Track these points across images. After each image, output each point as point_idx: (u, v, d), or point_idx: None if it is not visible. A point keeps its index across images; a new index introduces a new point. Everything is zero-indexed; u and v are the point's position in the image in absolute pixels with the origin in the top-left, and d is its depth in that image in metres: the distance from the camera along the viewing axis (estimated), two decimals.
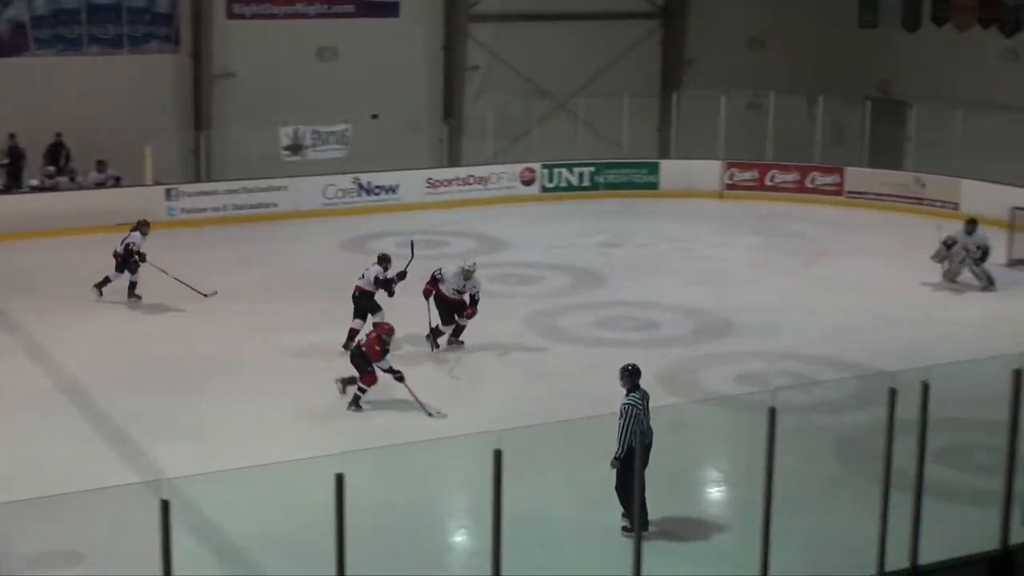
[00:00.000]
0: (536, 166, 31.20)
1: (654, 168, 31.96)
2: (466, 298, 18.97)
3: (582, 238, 26.86)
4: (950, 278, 23.30)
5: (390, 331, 16.71)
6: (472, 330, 19.83)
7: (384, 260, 19.11)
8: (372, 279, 18.83)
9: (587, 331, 20.12)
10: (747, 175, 31.64)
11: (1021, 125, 28.95)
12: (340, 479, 8.33)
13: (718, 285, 23.10)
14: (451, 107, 32.74)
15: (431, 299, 18.91)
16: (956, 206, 29.25)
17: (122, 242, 21.90)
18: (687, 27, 35.08)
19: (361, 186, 29.30)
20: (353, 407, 16.48)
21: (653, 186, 31.73)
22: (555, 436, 14.82)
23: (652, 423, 12.62)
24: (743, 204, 30.77)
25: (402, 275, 18.94)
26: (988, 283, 23.08)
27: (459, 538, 13.19)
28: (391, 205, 29.36)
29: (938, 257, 23.44)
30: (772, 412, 9.81)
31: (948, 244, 23.34)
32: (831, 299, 22.24)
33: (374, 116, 31.07)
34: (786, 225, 28.48)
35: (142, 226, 22.20)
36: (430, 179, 30.25)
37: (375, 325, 17.24)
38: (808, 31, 35.24)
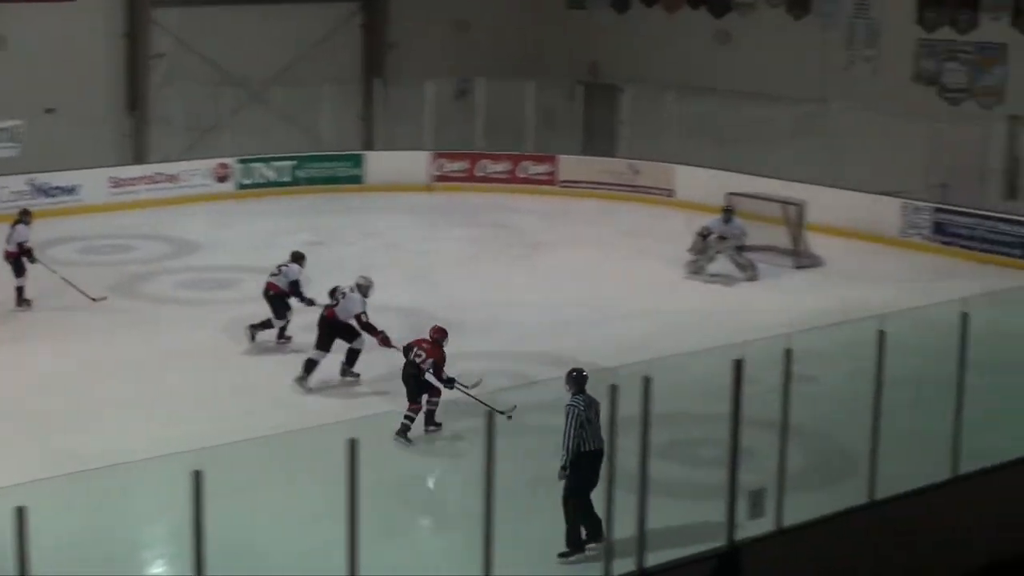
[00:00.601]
0: (230, 161, 30.76)
1: (358, 161, 31.93)
2: (352, 321, 17.96)
3: (284, 237, 26.51)
4: (694, 270, 23.93)
5: (445, 334, 16.15)
6: (165, 341, 19.44)
7: (299, 258, 19.34)
8: (288, 281, 19.01)
9: (296, 337, 19.88)
10: (457, 166, 31.91)
11: (733, 109, 30.03)
12: (21, 513, 8.02)
13: (431, 282, 23.22)
14: (135, 99, 31.96)
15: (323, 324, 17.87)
16: (671, 193, 30.21)
17: (9, 240, 20.78)
18: (389, 9, 35.11)
19: (36, 187, 28.34)
20: (433, 427, 15.82)
21: (358, 180, 31.70)
22: (262, 452, 14.62)
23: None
24: (454, 196, 31.02)
25: (311, 302, 18.95)
26: (753, 271, 23.86)
27: (158, 569, 12.88)
28: (71, 207, 28.47)
29: (695, 249, 24.03)
30: (489, 416, 9.89)
31: (704, 234, 23.97)
32: (549, 293, 22.60)
33: (49, 110, 30.07)
34: (499, 217, 28.85)
35: (24, 216, 21.10)
36: (114, 178, 29.47)
37: (434, 329, 16.22)
38: (515, 13, 35.75)
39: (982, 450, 12.63)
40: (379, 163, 31.84)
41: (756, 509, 11.30)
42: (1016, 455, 12.90)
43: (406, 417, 15.56)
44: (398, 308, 21.16)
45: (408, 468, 14.98)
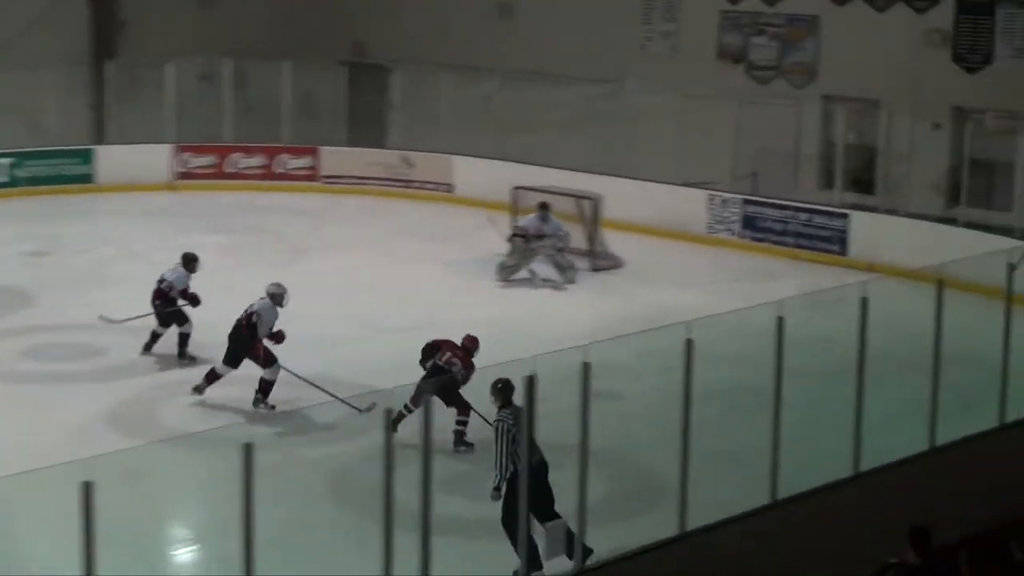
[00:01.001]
0: None
1: (88, 156, 31.33)
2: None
3: (2, 247, 25.97)
4: (509, 276, 24.01)
5: (478, 344, 16.66)
6: None
7: (190, 261, 20.09)
8: (179, 289, 19.81)
9: (12, 364, 19.46)
10: (204, 161, 31.56)
11: (518, 92, 30.24)
12: None
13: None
14: None
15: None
16: (450, 188, 30.30)
17: None
18: None
19: None
20: (463, 447, 16.03)
21: (88, 179, 31.13)
22: None
23: None
24: (200, 196, 30.66)
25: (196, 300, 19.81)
26: (573, 273, 24.06)
27: None
28: None
29: (515, 255, 24.06)
30: (248, 449, 9.75)
31: (522, 235, 24.04)
32: (316, 306, 22.38)
33: None
34: (255, 219, 28.59)
35: None
36: None
37: (467, 338, 16.79)
38: None
39: (802, 470, 12.88)
40: (113, 159, 31.28)
41: (554, 546, 11.35)
42: (839, 475, 13.19)
43: (458, 423, 16.09)
44: (142, 327, 20.82)
45: (156, 510, 14.74)
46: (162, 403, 18.03)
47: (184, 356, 19.71)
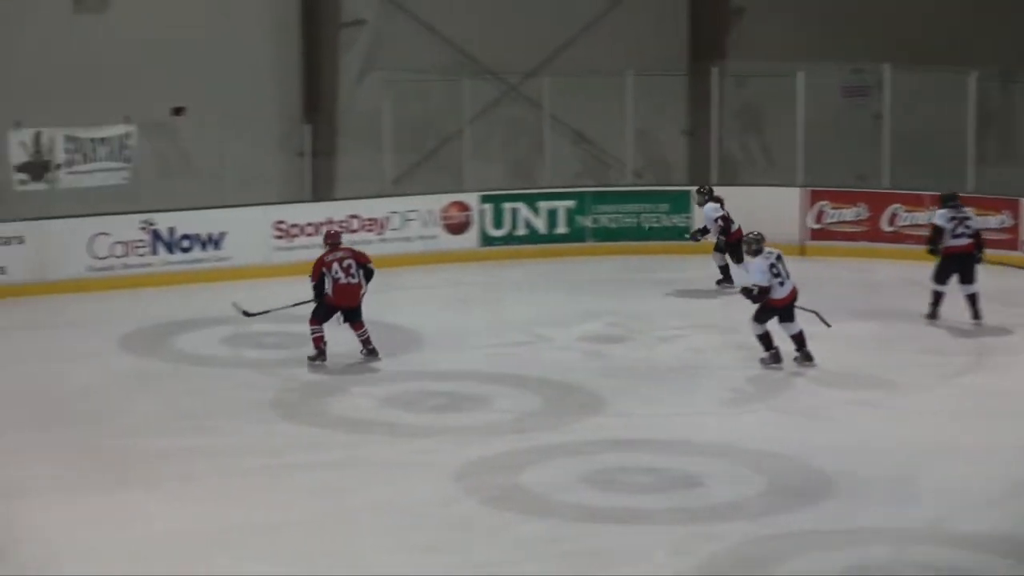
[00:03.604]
0: (472, 199, 31.29)
1: (682, 200, 32.23)
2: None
3: (559, 329, 26.53)
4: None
5: None
6: None
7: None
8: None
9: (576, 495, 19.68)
10: (845, 213, 31.96)
11: None
12: None
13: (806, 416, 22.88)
14: (316, 95, 32.50)
15: None
16: None
17: None
18: None
19: (156, 234, 28.93)
20: None
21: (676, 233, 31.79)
22: None
23: None
24: (840, 265, 30.80)
25: None
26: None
27: None
28: (212, 270, 29.12)
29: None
30: None
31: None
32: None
33: (177, 111, 30.85)
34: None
35: None
36: (281, 223, 30.11)
37: None
38: None
39: None
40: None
41: None
42: None
43: None
44: (742, 450, 21.08)
45: None
46: (777, 563, 17.67)
47: None
